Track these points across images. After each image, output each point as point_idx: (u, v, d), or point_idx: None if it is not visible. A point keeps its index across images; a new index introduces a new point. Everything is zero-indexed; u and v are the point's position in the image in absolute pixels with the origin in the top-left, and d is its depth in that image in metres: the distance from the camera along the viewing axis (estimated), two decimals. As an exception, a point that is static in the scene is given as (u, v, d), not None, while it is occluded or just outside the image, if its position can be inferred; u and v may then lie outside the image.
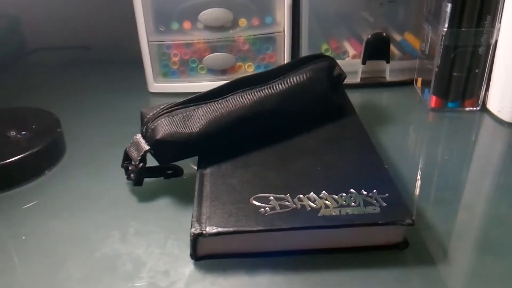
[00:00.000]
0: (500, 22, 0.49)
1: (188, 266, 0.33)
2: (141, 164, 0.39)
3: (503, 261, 0.33)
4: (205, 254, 0.33)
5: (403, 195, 0.34)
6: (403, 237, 0.33)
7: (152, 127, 0.38)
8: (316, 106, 0.44)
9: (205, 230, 0.32)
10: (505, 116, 0.50)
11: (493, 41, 0.50)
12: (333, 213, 0.32)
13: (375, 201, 0.33)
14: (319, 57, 0.46)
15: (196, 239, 0.32)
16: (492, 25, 0.49)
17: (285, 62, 0.58)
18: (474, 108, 0.53)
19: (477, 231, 0.36)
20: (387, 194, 0.34)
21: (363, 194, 0.34)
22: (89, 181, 0.43)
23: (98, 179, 0.43)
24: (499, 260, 0.33)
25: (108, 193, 0.41)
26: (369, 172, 0.37)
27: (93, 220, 0.38)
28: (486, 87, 0.52)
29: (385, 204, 0.33)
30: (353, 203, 0.33)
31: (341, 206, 0.33)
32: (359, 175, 0.36)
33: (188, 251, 0.33)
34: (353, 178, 0.36)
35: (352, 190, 0.34)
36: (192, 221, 0.32)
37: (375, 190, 0.34)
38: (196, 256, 0.33)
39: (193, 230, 0.32)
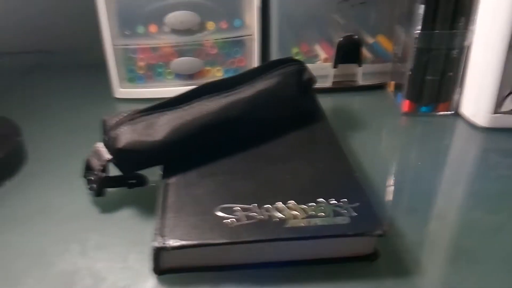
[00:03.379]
0: (474, 24, 0.48)
1: (150, 281, 0.32)
2: (102, 174, 0.37)
3: (476, 269, 0.32)
4: (168, 268, 0.32)
5: (373, 204, 0.33)
6: (374, 248, 0.33)
7: (114, 135, 0.37)
8: (285, 112, 0.43)
9: (168, 244, 0.30)
10: (479, 121, 0.50)
11: (467, 44, 0.49)
12: (302, 224, 0.31)
13: (345, 211, 0.32)
14: (289, 61, 0.45)
15: (158, 253, 0.31)
16: (466, 27, 0.48)
17: (255, 66, 0.57)
18: (448, 112, 0.53)
19: (450, 239, 0.35)
20: (357, 204, 0.33)
21: (333, 203, 0.33)
22: (49, 192, 0.41)
23: (59, 190, 0.42)
24: (472, 268, 0.32)
25: (68, 205, 0.40)
26: (339, 180, 0.36)
27: (52, 233, 0.36)
28: (460, 91, 0.52)
29: (355, 214, 0.32)
30: (322, 213, 0.32)
31: (310, 216, 0.32)
32: (328, 183, 0.36)
33: (150, 265, 0.32)
34: (322, 186, 0.35)
35: (321, 199, 0.33)
36: (154, 234, 0.31)
37: (345, 199, 0.33)
38: (159, 271, 0.32)
39: (155, 243, 0.30)
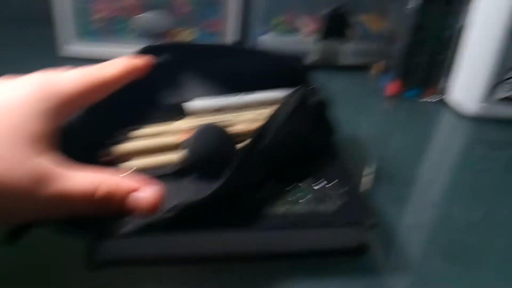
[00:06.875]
0: (472, 3, 0.46)
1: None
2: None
3: (459, 264, 0.30)
4: (105, 261, 0.26)
5: (361, 190, 0.30)
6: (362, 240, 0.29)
7: None
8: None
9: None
10: (467, 109, 0.47)
11: (462, 24, 0.47)
12: (280, 211, 0.27)
13: (329, 197, 0.28)
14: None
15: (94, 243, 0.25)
16: (464, 6, 0.46)
17: (232, 32, 0.52)
18: (435, 99, 0.50)
19: (432, 231, 0.33)
20: (345, 188, 0.29)
21: (316, 188, 0.29)
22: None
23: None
24: (456, 262, 0.30)
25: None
26: (323, 162, 0.32)
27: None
28: (449, 76, 0.49)
29: (341, 201, 0.28)
30: (303, 199, 0.28)
31: (289, 202, 0.27)
32: (311, 165, 0.31)
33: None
34: (304, 168, 0.31)
35: (303, 182, 0.29)
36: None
37: (330, 184, 0.29)
38: (94, 264, 0.26)
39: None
